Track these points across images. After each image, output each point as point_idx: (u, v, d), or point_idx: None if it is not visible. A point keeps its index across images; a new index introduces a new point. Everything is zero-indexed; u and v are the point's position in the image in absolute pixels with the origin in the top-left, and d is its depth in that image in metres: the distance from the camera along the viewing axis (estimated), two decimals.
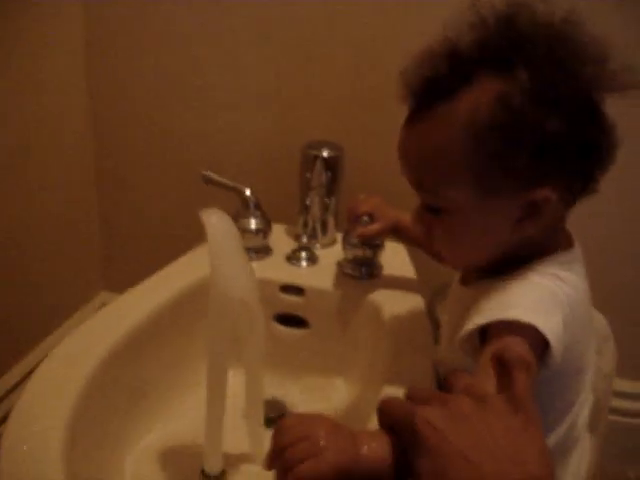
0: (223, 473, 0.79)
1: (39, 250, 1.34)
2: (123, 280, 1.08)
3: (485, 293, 0.67)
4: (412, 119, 0.69)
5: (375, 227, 1.00)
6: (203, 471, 0.78)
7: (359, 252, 1.06)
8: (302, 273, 1.08)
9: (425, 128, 0.67)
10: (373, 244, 1.06)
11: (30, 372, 1.34)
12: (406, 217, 0.88)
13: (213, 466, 0.77)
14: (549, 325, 0.60)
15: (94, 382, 0.79)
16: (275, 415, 0.97)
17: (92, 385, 0.78)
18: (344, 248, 1.07)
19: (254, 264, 1.06)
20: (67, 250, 1.44)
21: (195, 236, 1.13)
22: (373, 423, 0.69)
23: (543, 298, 0.64)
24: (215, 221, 0.71)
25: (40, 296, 1.38)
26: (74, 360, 0.81)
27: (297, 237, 1.18)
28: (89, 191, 1.48)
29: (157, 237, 1.50)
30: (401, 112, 0.69)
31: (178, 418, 0.94)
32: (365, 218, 1.00)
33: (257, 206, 1.08)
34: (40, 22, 1.23)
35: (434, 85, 0.66)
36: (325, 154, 1.11)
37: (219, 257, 0.70)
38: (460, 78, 0.64)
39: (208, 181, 1.10)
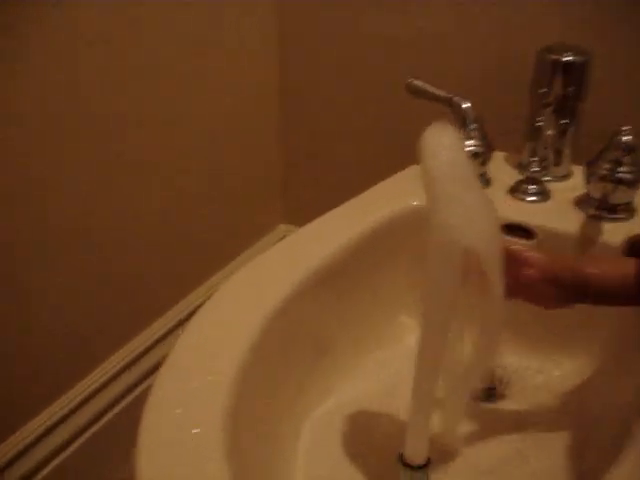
0: (427, 463, 0.60)
1: (218, 177, 1.24)
2: (304, 213, 0.95)
3: None
4: None
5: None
6: (402, 457, 0.60)
7: (608, 188, 0.82)
8: (531, 210, 0.86)
9: None
10: (627, 179, 0.81)
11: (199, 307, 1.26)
12: None
13: (416, 454, 0.59)
14: None
15: (270, 328, 0.64)
16: (483, 387, 0.78)
17: (268, 331, 0.64)
18: (588, 182, 0.84)
19: None
20: (246, 178, 1.32)
21: (395, 162, 0.97)
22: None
23: None
24: (444, 140, 0.51)
25: (219, 225, 1.28)
26: (249, 297, 0.67)
27: (522, 167, 0.94)
28: (271, 114, 1.33)
29: (346, 165, 1.32)
30: None
31: (365, 380, 0.78)
32: None
33: (477, 124, 0.87)
34: None
35: None
36: (568, 59, 0.87)
37: (445, 189, 0.49)
38: None
39: (414, 91, 0.91)
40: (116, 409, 1.10)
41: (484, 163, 0.89)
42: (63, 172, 0.93)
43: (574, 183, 0.91)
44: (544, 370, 0.81)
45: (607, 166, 0.82)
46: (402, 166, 0.94)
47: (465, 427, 0.69)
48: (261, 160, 1.35)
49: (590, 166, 0.84)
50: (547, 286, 0.62)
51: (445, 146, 0.49)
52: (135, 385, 1.12)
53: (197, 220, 1.21)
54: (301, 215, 0.98)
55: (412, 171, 0.90)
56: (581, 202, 0.86)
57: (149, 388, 0.57)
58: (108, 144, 0.98)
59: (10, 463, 0.96)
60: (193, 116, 1.13)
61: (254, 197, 1.36)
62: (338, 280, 0.76)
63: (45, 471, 1.00)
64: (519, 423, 0.72)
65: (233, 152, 1.26)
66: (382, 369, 0.78)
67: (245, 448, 0.55)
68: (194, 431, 0.52)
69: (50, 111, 0.88)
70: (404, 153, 0.96)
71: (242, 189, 1.31)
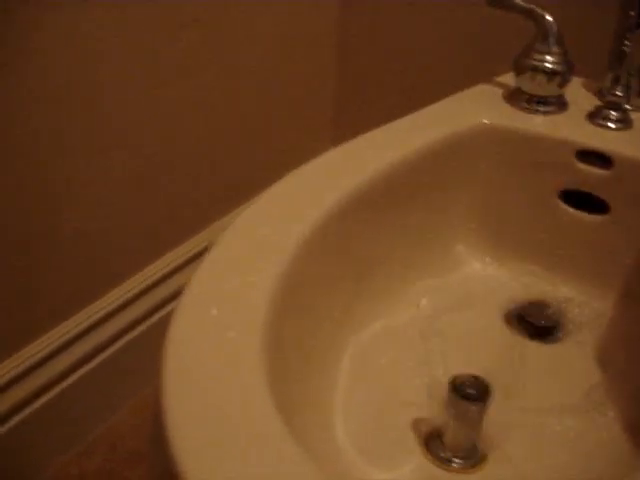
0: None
1: (268, 98, 1.19)
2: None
3: None
4: None
5: None
6: (454, 382, 0.55)
7: None
8: (611, 137, 0.77)
9: None
10: None
11: None
12: None
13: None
14: None
15: (316, 237, 0.58)
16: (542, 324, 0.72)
17: (313, 240, 0.58)
18: None
19: (541, 119, 0.79)
20: (298, 100, 1.26)
21: (461, 85, 0.89)
22: None
23: None
24: None
25: (266, 146, 1.23)
26: (297, 203, 0.62)
27: (601, 93, 0.86)
28: (328, 34, 1.26)
29: (403, 88, 1.24)
30: None
31: (416, 306, 0.72)
32: None
33: (558, 39, 0.79)
34: None
35: None
36: None
37: None
38: None
39: (493, 1, 0.83)
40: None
41: (562, 85, 0.81)
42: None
43: None
44: (611, 307, 0.74)
45: None
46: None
47: (526, 364, 0.63)
48: (314, 82, 1.29)
49: None
50: None
51: None
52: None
53: (243, 139, 1.17)
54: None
55: (482, 88, 0.83)
56: None
57: None
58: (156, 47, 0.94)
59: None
60: (246, 35, 1.08)
61: (304, 120, 1.30)
62: (390, 198, 0.70)
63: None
64: (585, 364, 0.66)
65: (286, 73, 1.20)
66: (434, 296, 0.72)
67: (283, 358, 0.50)
68: (229, 334, 0.47)
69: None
70: (473, 74, 0.89)
71: (293, 111, 1.26)
